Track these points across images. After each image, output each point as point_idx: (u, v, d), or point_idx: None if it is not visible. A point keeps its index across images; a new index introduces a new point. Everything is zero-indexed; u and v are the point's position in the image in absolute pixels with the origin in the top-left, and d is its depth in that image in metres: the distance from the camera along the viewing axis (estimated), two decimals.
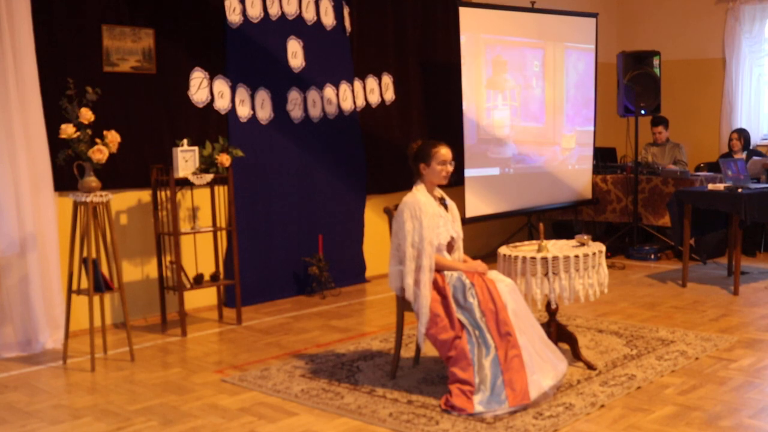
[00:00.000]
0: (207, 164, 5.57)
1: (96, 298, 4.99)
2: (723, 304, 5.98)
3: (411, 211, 4.05)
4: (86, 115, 4.67)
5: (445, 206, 4.25)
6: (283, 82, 6.56)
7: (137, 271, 5.83)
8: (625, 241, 8.31)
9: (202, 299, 6.18)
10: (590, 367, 4.39)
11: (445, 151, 4.18)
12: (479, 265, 4.12)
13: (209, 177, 5.57)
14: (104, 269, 4.96)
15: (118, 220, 5.69)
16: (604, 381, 4.18)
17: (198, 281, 5.69)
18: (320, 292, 6.63)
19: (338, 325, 5.67)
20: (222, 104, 6.18)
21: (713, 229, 7.08)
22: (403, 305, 4.28)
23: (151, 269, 5.86)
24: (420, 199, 4.09)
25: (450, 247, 4.23)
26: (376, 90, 7.25)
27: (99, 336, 5.11)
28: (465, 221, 5.59)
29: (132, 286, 5.71)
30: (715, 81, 9.40)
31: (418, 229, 4.02)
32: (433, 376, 4.32)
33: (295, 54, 6.62)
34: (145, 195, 5.81)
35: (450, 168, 4.22)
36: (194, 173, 5.50)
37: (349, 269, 7.08)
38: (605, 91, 9.24)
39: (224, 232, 6.01)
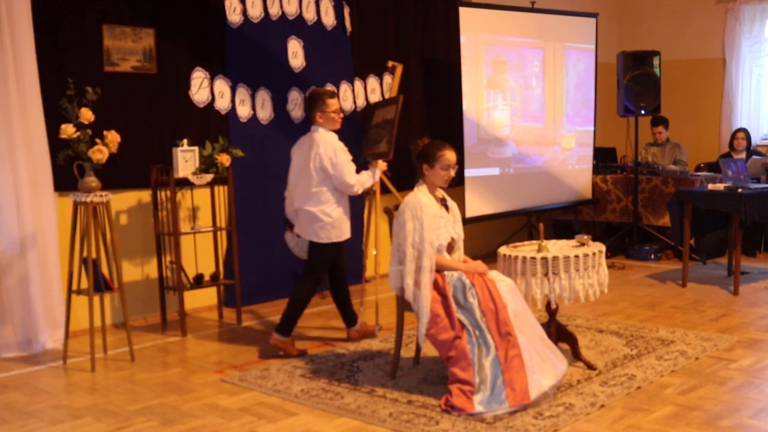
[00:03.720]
0: (207, 164, 5.57)
1: (96, 298, 4.99)
2: (723, 304, 5.98)
3: (412, 211, 4.06)
4: (86, 115, 4.67)
5: (446, 207, 4.25)
6: (284, 82, 6.56)
7: (137, 271, 5.83)
8: (625, 241, 8.31)
9: (202, 299, 6.18)
10: (590, 367, 4.39)
11: (450, 155, 4.18)
12: (479, 265, 4.12)
13: (209, 177, 5.57)
14: (104, 269, 4.96)
15: (118, 220, 5.69)
16: (604, 381, 4.19)
17: (198, 281, 5.69)
18: (320, 292, 6.62)
19: (338, 325, 5.67)
20: (222, 104, 6.18)
21: (713, 229, 7.08)
22: (403, 305, 4.28)
23: (151, 269, 5.86)
24: (421, 199, 4.09)
25: (450, 247, 4.23)
26: (378, 90, 7.25)
27: (99, 336, 5.11)
28: (465, 221, 5.59)
29: (132, 286, 5.71)
30: (715, 81, 9.40)
31: (418, 229, 4.02)
32: (433, 376, 4.32)
33: (296, 54, 6.62)
34: (145, 195, 5.81)
35: (452, 173, 4.21)
36: (194, 173, 5.50)
37: (349, 269, 7.06)
38: (605, 91, 9.24)
39: (224, 232, 6.01)
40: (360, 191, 4.91)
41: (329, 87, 6.27)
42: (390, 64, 5.47)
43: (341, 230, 4.93)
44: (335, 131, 4.93)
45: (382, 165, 5.14)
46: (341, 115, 4.92)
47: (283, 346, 4.84)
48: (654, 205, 7.96)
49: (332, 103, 4.84)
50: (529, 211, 8.14)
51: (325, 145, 4.78)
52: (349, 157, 4.84)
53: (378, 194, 5.48)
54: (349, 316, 5.17)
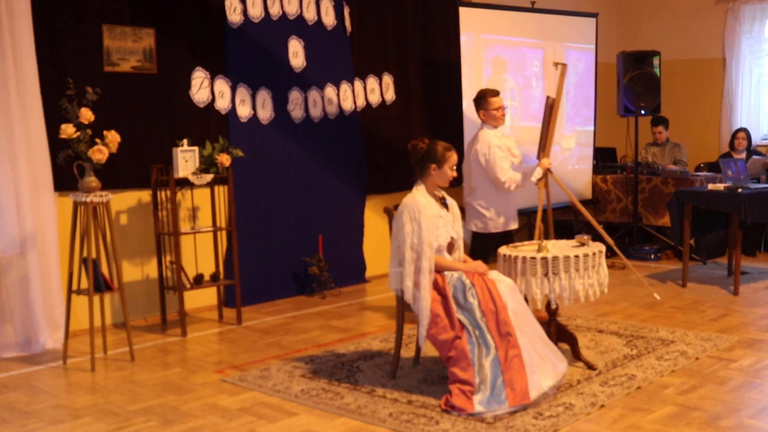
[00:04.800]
0: (207, 164, 5.57)
1: (96, 298, 4.99)
2: (723, 304, 5.99)
3: (410, 213, 4.05)
4: (86, 115, 4.67)
5: (446, 206, 4.25)
6: (284, 81, 6.56)
7: (137, 271, 5.83)
8: (625, 241, 8.31)
9: (202, 299, 6.18)
10: (590, 367, 4.39)
11: (456, 156, 4.23)
12: (479, 265, 4.12)
13: (209, 177, 5.57)
14: (104, 269, 4.96)
15: (118, 220, 5.69)
16: (604, 381, 4.19)
17: (198, 281, 5.69)
18: (320, 292, 6.63)
19: (338, 325, 5.67)
20: (222, 104, 6.18)
21: (713, 229, 7.08)
22: (404, 305, 4.28)
23: (151, 269, 5.86)
24: (419, 200, 4.09)
25: (450, 247, 4.23)
26: (377, 90, 7.25)
27: (99, 336, 5.11)
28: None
29: (132, 286, 5.71)
30: (715, 81, 9.40)
31: (417, 231, 4.02)
32: (433, 376, 4.32)
33: (296, 54, 6.62)
34: (145, 195, 5.81)
35: (456, 173, 4.27)
36: (194, 173, 5.50)
37: (349, 269, 7.08)
38: (605, 91, 9.24)
39: (224, 232, 6.01)
40: (512, 187, 5.16)
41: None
42: (555, 63, 5.60)
43: (498, 222, 5.30)
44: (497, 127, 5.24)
45: (544, 163, 5.32)
46: (504, 111, 5.23)
47: None
48: (654, 205, 7.96)
49: (495, 101, 5.17)
50: (529, 211, 8.13)
51: (483, 142, 5.15)
52: (504, 154, 5.12)
53: (542, 190, 5.49)
54: None
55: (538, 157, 5.41)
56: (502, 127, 5.33)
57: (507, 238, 5.29)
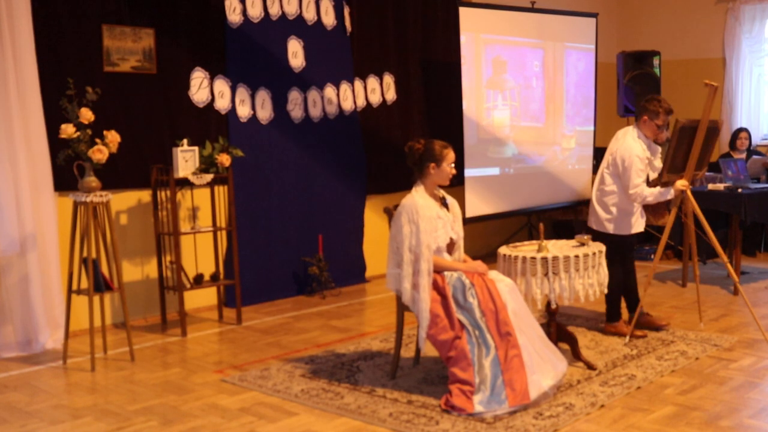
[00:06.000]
0: (207, 164, 5.57)
1: (96, 298, 4.99)
2: (723, 304, 5.99)
3: (408, 215, 4.05)
4: (86, 115, 4.67)
5: (446, 205, 4.25)
6: (284, 82, 6.56)
7: (137, 271, 5.83)
8: None
9: (202, 299, 6.18)
10: (590, 367, 4.39)
11: (453, 154, 4.23)
12: (479, 265, 4.12)
13: (209, 177, 5.57)
14: (104, 269, 4.96)
15: (118, 220, 5.69)
16: (604, 381, 4.19)
17: (198, 281, 5.69)
18: (320, 292, 6.63)
19: (338, 325, 5.67)
20: (222, 104, 6.18)
21: (713, 229, 7.06)
22: (403, 305, 4.28)
23: (151, 269, 5.86)
24: (418, 202, 4.09)
25: (450, 248, 4.23)
26: (378, 90, 7.25)
27: (99, 336, 5.11)
28: (465, 221, 5.60)
29: (132, 286, 5.71)
30: (715, 81, 9.36)
31: (415, 233, 4.01)
32: (433, 376, 4.32)
33: (296, 54, 6.62)
34: (145, 195, 5.81)
35: (454, 171, 4.25)
36: (194, 173, 5.50)
37: (349, 269, 7.08)
38: (605, 91, 9.24)
39: (224, 232, 6.01)
40: (637, 200, 5.01)
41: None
42: (706, 82, 5.27)
43: (621, 225, 5.10)
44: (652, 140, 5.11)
45: (678, 185, 5.07)
46: (663, 132, 5.10)
47: (616, 330, 5.12)
48: (654, 205, 7.93)
49: (665, 119, 5.05)
50: (529, 211, 8.13)
51: (627, 146, 4.99)
52: (642, 167, 4.96)
53: (674, 210, 5.22)
54: (631, 305, 5.23)
55: (660, 176, 5.09)
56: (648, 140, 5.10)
57: (622, 241, 5.10)
